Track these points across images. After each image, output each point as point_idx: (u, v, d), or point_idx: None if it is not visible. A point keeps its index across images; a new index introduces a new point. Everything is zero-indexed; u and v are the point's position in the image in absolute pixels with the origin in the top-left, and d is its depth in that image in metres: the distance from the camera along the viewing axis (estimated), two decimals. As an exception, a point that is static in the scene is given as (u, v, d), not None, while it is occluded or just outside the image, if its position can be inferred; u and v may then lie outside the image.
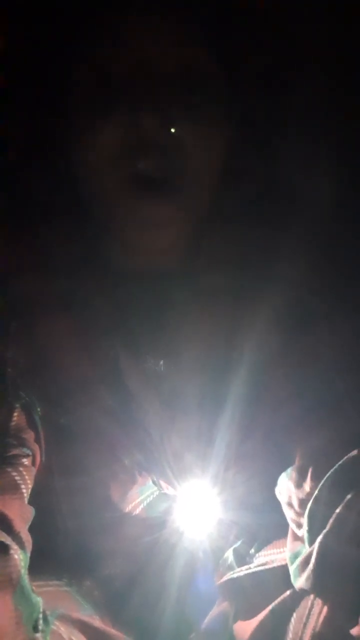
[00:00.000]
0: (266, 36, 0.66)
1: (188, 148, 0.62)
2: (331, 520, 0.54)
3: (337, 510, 0.54)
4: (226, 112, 0.64)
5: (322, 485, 0.57)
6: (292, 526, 0.63)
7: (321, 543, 0.54)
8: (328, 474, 0.57)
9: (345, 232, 0.70)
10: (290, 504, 0.63)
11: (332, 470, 0.57)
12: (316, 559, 0.54)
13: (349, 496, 0.54)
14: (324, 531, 0.54)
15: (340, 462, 0.57)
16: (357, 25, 0.66)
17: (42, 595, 0.57)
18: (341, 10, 0.67)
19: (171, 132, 0.60)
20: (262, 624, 0.60)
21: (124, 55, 0.60)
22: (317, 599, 0.56)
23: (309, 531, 0.57)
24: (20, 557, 0.55)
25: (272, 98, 0.68)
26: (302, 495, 0.61)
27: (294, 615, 0.57)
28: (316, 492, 0.58)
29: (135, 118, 0.59)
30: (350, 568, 0.52)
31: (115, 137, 0.60)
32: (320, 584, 0.54)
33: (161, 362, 0.68)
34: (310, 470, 0.61)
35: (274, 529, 0.69)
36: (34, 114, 0.67)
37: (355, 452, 0.57)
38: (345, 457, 0.57)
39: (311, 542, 0.57)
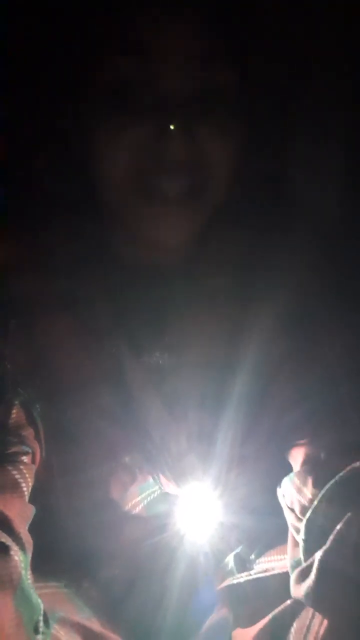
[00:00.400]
0: (279, 46, 0.67)
1: (204, 162, 0.62)
2: (331, 537, 0.54)
3: (338, 527, 0.54)
4: (242, 122, 0.65)
5: (322, 496, 0.57)
6: (292, 531, 0.62)
7: (321, 561, 0.53)
8: (328, 485, 0.57)
9: (348, 236, 0.70)
10: (292, 509, 0.62)
11: (332, 481, 0.57)
12: (316, 577, 0.53)
13: (349, 513, 0.54)
14: (325, 548, 0.54)
15: (340, 474, 0.57)
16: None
17: (42, 597, 0.56)
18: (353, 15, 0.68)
19: (188, 149, 0.61)
20: (261, 632, 0.59)
21: (143, 67, 0.60)
22: None
23: (306, 541, 0.57)
24: (20, 558, 0.54)
25: (281, 107, 0.68)
26: (303, 501, 0.60)
27: (295, 624, 0.57)
28: (315, 502, 0.57)
29: (152, 133, 0.60)
30: (350, 587, 0.52)
31: (129, 148, 0.61)
32: (321, 602, 0.54)
33: (162, 362, 0.68)
34: (311, 476, 0.60)
35: (275, 532, 0.69)
36: (44, 114, 0.67)
37: (357, 463, 0.57)
38: (346, 469, 0.57)
39: (307, 552, 0.56)
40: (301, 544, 0.57)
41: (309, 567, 0.54)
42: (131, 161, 0.61)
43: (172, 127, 0.58)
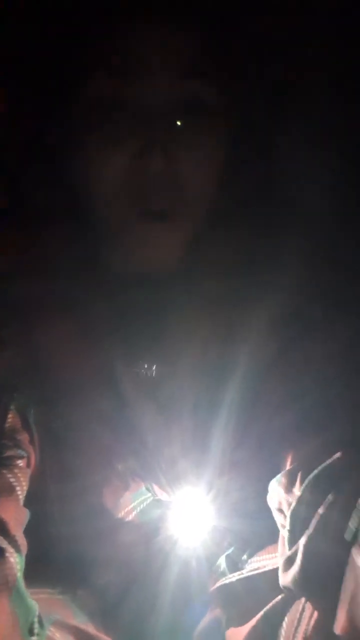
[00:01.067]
0: (266, 55, 0.68)
1: (191, 176, 0.64)
2: (314, 521, 0.54)
3: (319, 511, 0.54)
4: (228, 132, 0.66)
5: (305, 486, 0.57)
6: (282, 532, 0.62)
7: (306, 545, 0.53)
8: (311, 475, 0.57)
9: (343, 239, 0.71)
10: (280, 510, 0.62)
11: (315, 471, 0.57)
12: (302, 561, 0.53)
13: (330, 496, 0.54)
14: (308, 533, 0.54)
15: (323, 464, 0.57)
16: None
17: (37, 602, 0.56)
18: (343, 20, 0.69)
19: (174, 164, 0.62)
20: (254, 629, 0.59)
21: (127, 82, 0.62)
22: (307, 602, 0.55)
23: (291, 531, 0.57)
24: (16, 560, 0.54)
25: (272, 110, 0.69)
26: (292, 499, 0.60)
27: (286, 619, 0.57)
28: (299, 493, 0.57)
29: (138, 148, 0.61)
30: (336, 568, 0.51)
31: (116, 162, 0.62)
32: (308, 586, 0.54)
33: (154, 368, 0.68)
34: (299, 475, 0.60)
35: (268, 536, 0.68)
36: (39, 123, 0.68)
37: (338, 454, 0.57)
38: (329, 460, 0.57)
39: (291, 542, 0.56)
40: (286, 535, 0.57)
41: (294, 554, 0.54)
42: (115, 177, 0.63)
43: (154, 142, 0.60)
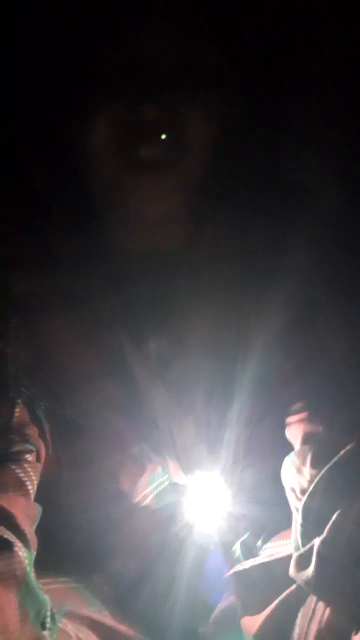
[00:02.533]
0: (268, 26, 0.65)
1: (186, 135, 0.61)
2: (328, 527, 0.53)
3: (333, 518, 0.53)
4: (230, 101, 0.63)
5: (319, 480, 0.56)
6: (293, 511, 0.61)
7: (319, 551, 0.53)
8: (323, 470, 0.56)
9: (351, 224, 0.69)
10: (292, 489, 0.61)
11: (328, 466, 0.56)
12: (315, 566, 0.53)
13: (344, 503, 0.53)
14: (322, 537, 0.53)
15: (335, 459, 0.56)
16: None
17: (51, 593, 0.56)
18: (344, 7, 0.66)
19: (168, 119, 0.60)
20: (269, 617, 0.58)
21: (122, 46, 0.59)
22: None
23: (303, 525, 0.57)
24: (24, 555, 0.53)
25: (279, 86, 0.67)
26: (302, 481, 0.59)
27: (301, 609, 0.56)
28: (311, 487, 0.57)
29: (133, 104, 0.59)
30: (346, 577, 0.51)
31: (112, 124, 0.60)
32: (321, 590, 0.54)
33: (163, 354, 0.67)
34: (310, 455, 0.60)
35: (283, 522, 0.67)
36: (34, 105, 0.66)
37: (350, 446, 0.56)
38: (342, 452, 0.56)
39: (304, 537, 0.56)
40: (298, 528, 0.57)
41: (308, 554, 0.54)
42: (112, 135, 0.60)
43: (148, 95, 0.58)
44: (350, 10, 0.66)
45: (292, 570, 0.56)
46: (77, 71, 0.62)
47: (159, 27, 0.60)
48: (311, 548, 0.54)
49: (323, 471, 0.56)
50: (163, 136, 0.60)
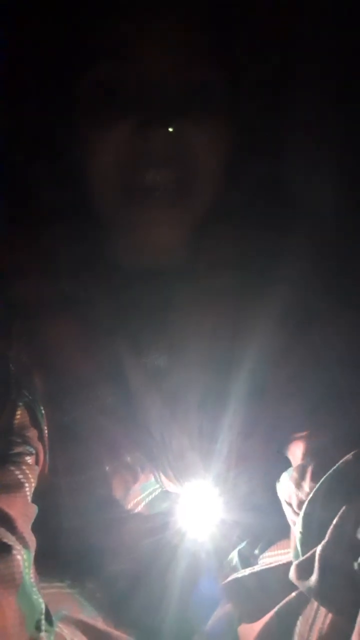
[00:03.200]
0: (268, 45, 0.66)
1: (191, 159, 0.62)
2: (329, 531, 0.53)
3: (334, 521, 0.53)
4: (230, 120, 0.64)
5: (318, 488, 0.56)
6: (293, 528, 0.61)
7: (321, 556, 0.53)
8: (323, 478, 0.56)
9: (346, 232, 0.69)
10: (289, 503, 0.61)
11: (327, 473, 0.56)
12: (319, 572, 0.53)
13: (344, 507, 0.53)
14: (323, 542, 0.53)
15: (335, 467, 0.56)
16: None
17: (46, 597, 0.55)
18: (344, 16, 0.67)
19: (174, 144, 0.60)
20: (267, 626, 0.58)
21: (128, 67, 0.60)
22: None
23: (303, 533, 0.56)
24: (23, 557, 0.53)
25: (275, 103, 0.68)
26: (301, 495, 0.59)
27: (300, 617, 0.56)
28: (311, 494, 0.56)
29: (139, 130, 0.59)
30: (348, 581, 0.51)
31: (118, 146, 0.61)
32: (324, 597, 0.53)
33: (159, 362, 0.67)
34: (310, 470, 0.60)
35: (277, 529, 0.68)
36: (39, 118, 0.66)
37: (350, 456, 0.56)
38: (341, 461, 0.56)
39: (304, 545, 0.56)
40: (298, 536, 0.57)
41: (310, 561, 0.54)
42: (117, 158, 0.61)
43: (156, 123, 0.58)
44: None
45: (293, 577, 0.55)
46: (83, 87, 0.63)
47: (164, 49, 0.60)
48: (313, 554, 0.53)
49: (324, 478, 0.56)
50: (174, 165, 0.61)
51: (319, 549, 0.53)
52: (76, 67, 0.62)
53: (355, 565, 0.50)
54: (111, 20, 0.60)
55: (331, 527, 0.53)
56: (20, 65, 0.66)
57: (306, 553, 0.54)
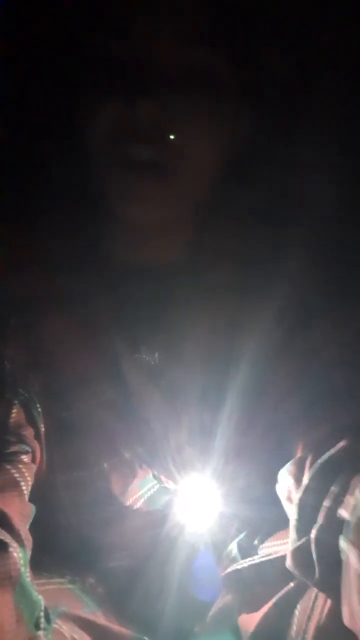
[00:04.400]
0: (274, 40, 0.65)
1: (186, 136, 0.60)
2: (321, 514, 0.53)
3: (325, 503, 0.52)
4: (231, 110, 0.63)
5: (312, 475, 0.56)
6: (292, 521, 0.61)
7: (316, 539, 0.52)
8: (317, 464, 0.56)
9: (347, 229, 0.69)
10: (289, 499, 0.61)
11: (320, 459, 0.56)
12: (316, 555, 0.52)
13: (333, 488, 0.53)
14: (316, 525, 0.53)
15: (328, 453, 0.56)
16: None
17: (45, 594, 0.55)
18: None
19: (169, 122, 0.59)
20: (266, 616, 0.58)
21: (129, 42, 0.59)
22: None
23: (298, 520, 0.55)
24: (19, 555, 0.52)
25: (280, 98, 0.66)
26: (300, 489, 0.59)
27: (298, 607, 0.55)
28: (306, 482, 0.56)
29: (133, 103, 0.58)
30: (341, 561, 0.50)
31: (112, 119, 0.59)
32: (323, 580, 0.52)
33: (157, 356, 0.67)
34: (307, 463, 0.59)
35: (275, 522, 0.67)
36: (36, 90, 0.65)
37: (343, 442, 0.56)
38: (333, 448, 0.56)
39: (299, 530, 0.55)
40: (293, 523, 0.56)
41: (305, 547, 0.53)
42: (111, 130, 0.60)
43: (147, 98, 0.57)
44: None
45: (290, 565, 0.55)
46: (80, 77, 0.62)
47: (171, 30, 0.59)
48: (308, 541, 0.53)
49: (316, 467, 0.55)
50: (164, 140, 0.60)
51: (313, 533, 0.52)
52: (77, 38, 0.61)
53: (341, 541, 0.49)
54: None
55: (322, 509, 0.52)
56: (19, 35, 0.65)
57: (301, 539, 0.54)
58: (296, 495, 0.59)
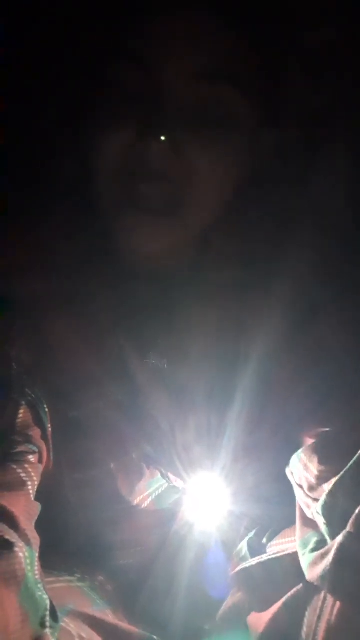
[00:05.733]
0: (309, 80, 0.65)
1: (193, 176, 0.61)
2: (350, 521, 0.51)
3: (357, 512, 0.50)
4: (246, 143, 0.63)
5: (340, 479, 0.54)
6: (303, 507, 0.60)
7: (341, 544, 0.50)
8: (345, 469, 0.54)
9: (351, 224, 0.68)
10: (300, 485, 0.60)
11: (350, 464, 0.54)
12: (334, 560, 0.50)
13: None
14: (344, 532, 0.51)
15: (357, 457, 0.54)
16: None
17: (53, 592, 0.54)
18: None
19: (177, 158, 0.59)
20: (275, 617, 0.57)
21: (144, 75, 0.59)
22: None
23: (328, 525, 0.54)
24: (25, 555, 0.52)
25: (298, 129, 0.67)
26: (310, 477, 0.58)
27: (308, 608, 0.54)
28: (331, 486, 0.54)
29: (142, 137, 0.58)
30: None
31: (120, 150, 0.60)
32: (336, 587, 0.51)
33: (164, 357, 0.66)
34: (318, 452, 0.58)
35: (284, 520, 0.66)
36: (48, 112, 0.66)
37: None
38: None
39: (332, 536, 0.53)
40: (324, 528, 0.54)
41: (329, 550, 0.52)
42: (119, 161, 0.60)
43: (160, 136, 0.57)
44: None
45: (306, 569, 0.54)
46: (94, 105, 0.62)
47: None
48: (332, 545, 0.52)
49: (348, 466, 0.53)
50: (175, 179, 0.60)
51: (339, 538, 0.51)
52: (93, 64, 0.61)
53: None
54: (138, 22, 0.59)
55: (353, 517, 0.51)
56: (32, 63, 0.66)
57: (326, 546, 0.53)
58: (307, 484, 0.58)
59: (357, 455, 0.54)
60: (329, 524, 0.54)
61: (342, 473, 0.54)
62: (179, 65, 0.58)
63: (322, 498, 0.54)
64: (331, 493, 0.54)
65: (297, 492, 0.60)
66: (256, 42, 0.61)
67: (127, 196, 0.61)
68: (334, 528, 0.53)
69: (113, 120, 0.60)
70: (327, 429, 0.60)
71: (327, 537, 0.54)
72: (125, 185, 0.60)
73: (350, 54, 0.66)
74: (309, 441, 0.61)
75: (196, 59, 0.59)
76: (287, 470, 0.62)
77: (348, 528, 0.51)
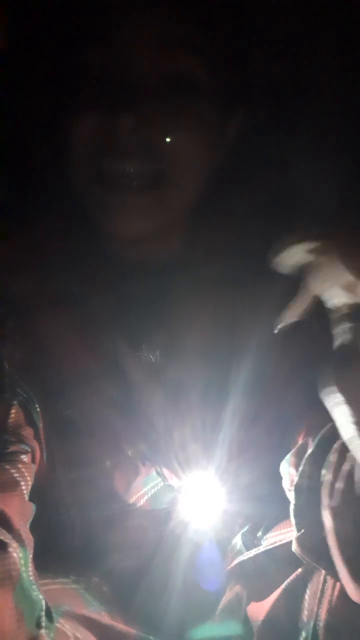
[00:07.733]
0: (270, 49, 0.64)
1: (171, 147, 0.60)
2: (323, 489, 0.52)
3: (309, 451, 0.53)
4: (218, 114, 0.62)
5: (305, 459, 0.55)
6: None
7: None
8: (309, 449, 0.55)
9: (344, 217, 0.67)
10: (290, 489, 0.60)
11: (313, 443, 0.55)
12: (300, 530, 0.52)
13: (323, 471, 0.53)
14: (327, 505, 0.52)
15: (318, 436, 0.55)
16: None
17: (48, 593, 0.53)
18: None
19: (150, 135, 0.58)
20: (275, 603, 0.56)
21: (108, 53, 0.58)
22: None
23: (296, 505, 0.55)
24: (19, 555, 0.50)
25: (269, 100, 0.66)
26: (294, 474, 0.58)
27: (307, 592, 0.54)
28: (300, 467, 0.55)
29: (115, 117, 0.57)
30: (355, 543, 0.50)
31: (94, 131, 0.59)
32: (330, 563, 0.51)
33: (158, 354, 0.65)
34: (307, 453, 0.58)
35: (279, 518, 0.65)
36: (27, 110, 0.65)
37: (329, 425, 0.54)
38: (322, 430, 0.56)
39: (298, 517, 0.55)
40: (292, 508, 0.55)
41: (310, 531, 0.53)
42: (92, 147, 0.59)
43: (128, 111, 0.56)
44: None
45: (297, 550, 0.54)
46: (61, 87, 0.61)
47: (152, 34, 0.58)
48: (312, 524, 0.52)
49: (310, 451, 0.54)
50: (149, 154, 0.59)
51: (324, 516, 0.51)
52: (61, 48, 0.60)
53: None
54: (101, 4, 0.59)
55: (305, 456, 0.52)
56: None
57: (300, 524, 0.53)
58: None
59: (319, 433, 0.55)
60: (297, 502, 0.55)
61: (305, 457, 0.56)
62: (141, 38, 0.58)
63: (295, 480, 0.55)
64: (300, 475, 0.55)
65: (290, 495, 0.60)
66: (219, 13, 0.61)
67: (104, 176, 0.60)
68: (301, 509, 0.55)
69: (82, 102, 0.59)
70: (319, 430, 0.59)
71: (293, 517, 0.56)
72: (100, 165, 0.60)
73: (317, 28, 0.65)
74: (298, 441, 0.61)
75: (159, 32, 0.58)
76: (283, 483, 0.62)
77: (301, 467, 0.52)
